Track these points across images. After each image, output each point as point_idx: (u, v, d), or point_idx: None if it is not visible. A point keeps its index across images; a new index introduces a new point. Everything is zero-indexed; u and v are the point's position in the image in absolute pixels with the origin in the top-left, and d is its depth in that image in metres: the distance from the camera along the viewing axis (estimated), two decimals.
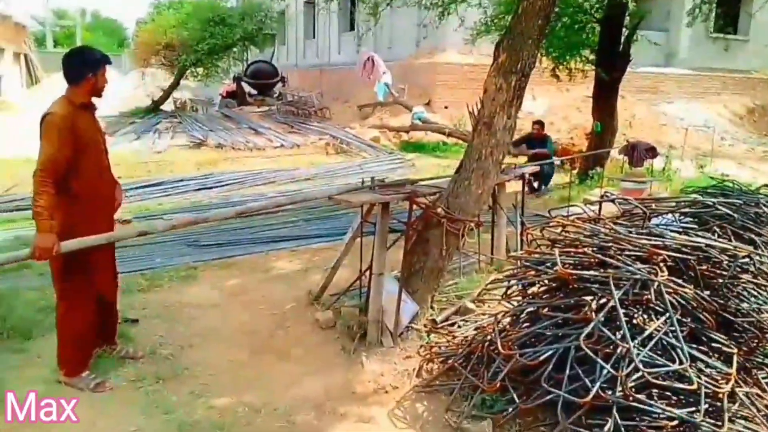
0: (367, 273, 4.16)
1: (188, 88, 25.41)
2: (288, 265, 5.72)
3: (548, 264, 3.31)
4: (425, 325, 4.05)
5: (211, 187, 9.44)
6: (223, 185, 9.62)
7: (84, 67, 3.23)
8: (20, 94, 21.71)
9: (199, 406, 3.23)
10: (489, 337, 3.40)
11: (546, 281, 3.41)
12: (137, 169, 10.55)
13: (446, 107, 16.88)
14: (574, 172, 9.59)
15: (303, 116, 18.20)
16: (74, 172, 3.14)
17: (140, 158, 11.79)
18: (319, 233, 6.79)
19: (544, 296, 3.43)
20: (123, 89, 25.03)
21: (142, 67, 22.73)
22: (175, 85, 21.09)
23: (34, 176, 3.01)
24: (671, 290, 3.00)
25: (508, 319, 3.55)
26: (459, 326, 4.03)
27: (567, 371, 2.82)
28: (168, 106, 20.93)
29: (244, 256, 5.95)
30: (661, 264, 3.10)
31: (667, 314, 2.92)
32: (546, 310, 3.25)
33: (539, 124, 9.67)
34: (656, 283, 2.95)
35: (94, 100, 3.37)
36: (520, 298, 3.64)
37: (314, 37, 28.36)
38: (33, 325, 3.98)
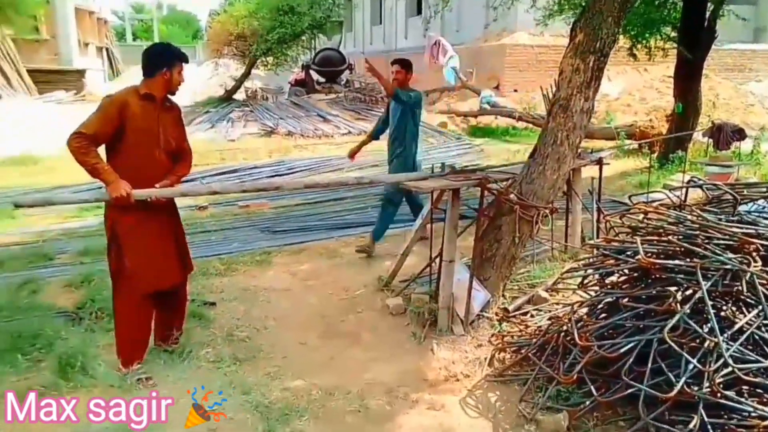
0: (438, 260, 4.13)
1: (259, 78, 26.00)
2: None
3: (629, 252, 3.18)
4: (497, 314, 3.99)
5: (282, 174, 9.64)
6: (294, 172, 9.80)
7: (160, 61, 3.29)
8: (103, 86, 22.87)
9: (275, 387, 3.32)
10: (564, 328, 3.31)
11: (626, 271, 3.28)
12: (212, 157, 10.90)
13: (515, 90, 16.51)
14: (653, 156, 9.13)
15: (370, 103, 18.26)
16: (115, 153, 3.22)
17: (215, 146, 12.18)
18: None
19: (623, 286, 3.30)
20: (197, 80, 25.89)
21: (216, 58, 23.44)
22: (246, 75, 21.64)
23: (70, 140, 3.06)
24: (765, 281, 2.82)
25: (584, 310, 3.44)
26: (532, 315, 3.95)
27: (649, 365, 2.70)
28: (240, 95, 21.51)
29: (315, 241, 6.06)
30: (754, 254, 2.92)
31: (760, 307, 2.76)
32: (626, 300, 3.13)
33: (401, 63, 5.64)
34: (748, 274, 2.79)
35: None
36: (597, 288, 3.52)
37: (381, 23, 28.38)
38: None
